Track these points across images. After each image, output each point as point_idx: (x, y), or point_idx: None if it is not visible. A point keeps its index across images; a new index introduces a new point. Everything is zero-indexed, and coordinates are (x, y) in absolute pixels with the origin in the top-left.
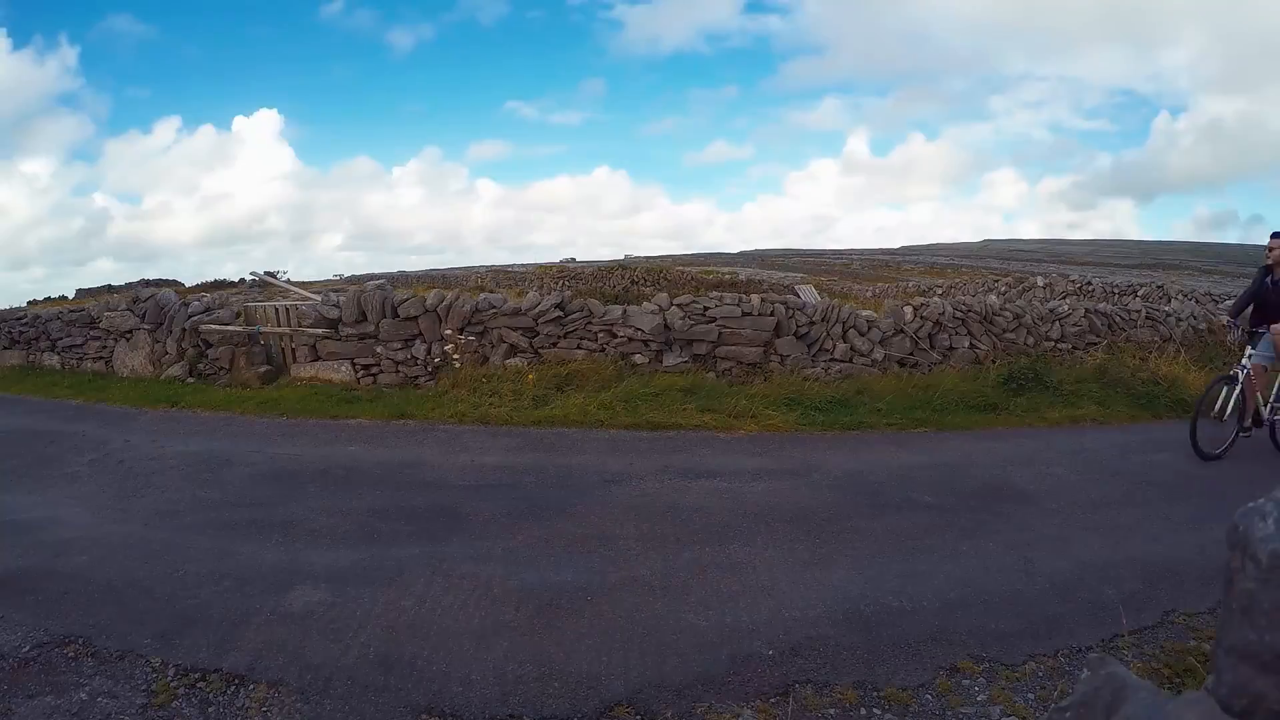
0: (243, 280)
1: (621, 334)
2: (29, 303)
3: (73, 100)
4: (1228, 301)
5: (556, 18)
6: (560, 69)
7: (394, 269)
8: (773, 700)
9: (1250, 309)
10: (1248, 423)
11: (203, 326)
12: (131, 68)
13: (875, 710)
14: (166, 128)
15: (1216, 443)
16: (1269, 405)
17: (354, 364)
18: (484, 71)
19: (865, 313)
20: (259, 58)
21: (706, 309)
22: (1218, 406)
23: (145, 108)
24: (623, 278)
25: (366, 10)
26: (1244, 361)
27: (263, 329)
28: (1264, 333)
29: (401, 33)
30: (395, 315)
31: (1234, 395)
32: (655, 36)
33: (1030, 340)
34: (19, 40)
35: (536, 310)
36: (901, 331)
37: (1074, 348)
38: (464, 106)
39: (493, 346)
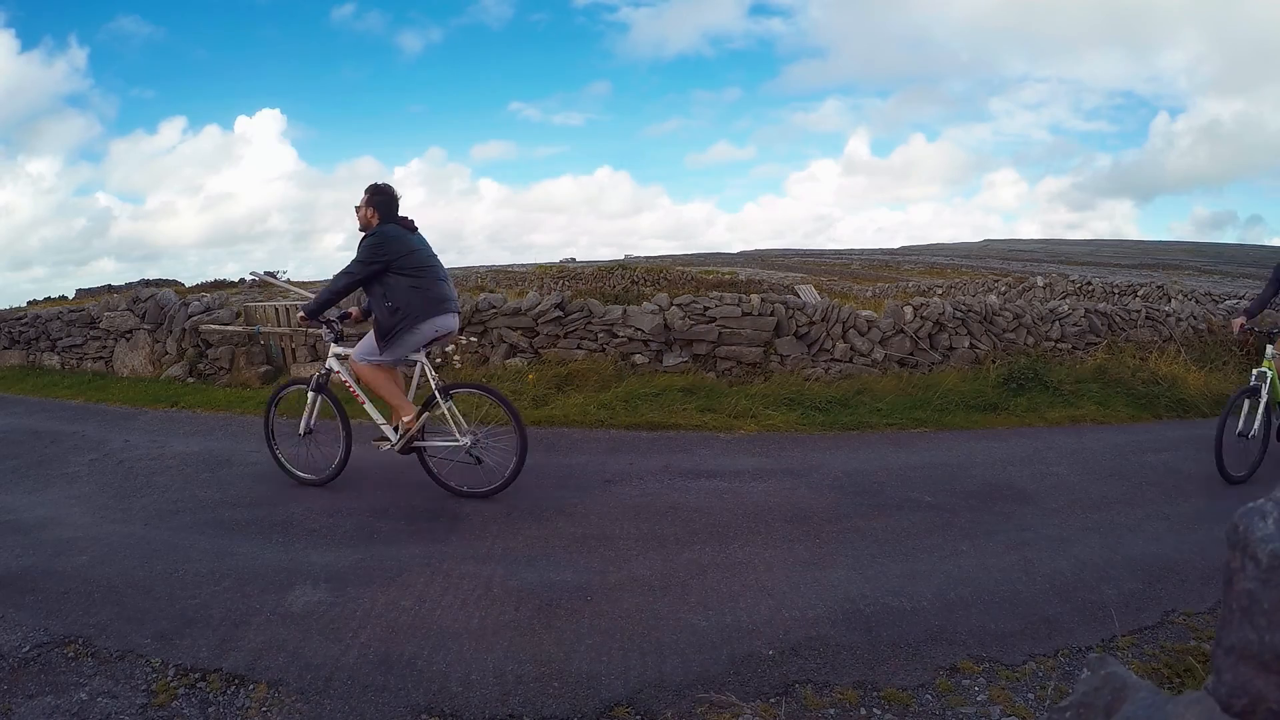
0: (243, 280)
1: (621, 334)
2: (29, 303)
3: (80, 101)
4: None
5: (562, 20)
6: (565, 71)
7: None
8: (773, 700)
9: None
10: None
11: (203, 326)
12: (139, 69)
13: (875, 710)
14: (171, 128)
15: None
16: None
17: None
18: (489, 73)
19: (865, 313)
20: (266, 59)
21: (706, 309)
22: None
23: (151, 108)
24: (623, 278)
25: (377, 13)
26: (330, 363)
27: (263, 329)
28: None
29: (410, 35)
30: None
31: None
32: (660, 40)
33: (1030, 340)
34: (28, 41)
35: (536, 310)
36: (901, 331)
37: (1074, 348)
38: (468, 107)
39: (493, 346)
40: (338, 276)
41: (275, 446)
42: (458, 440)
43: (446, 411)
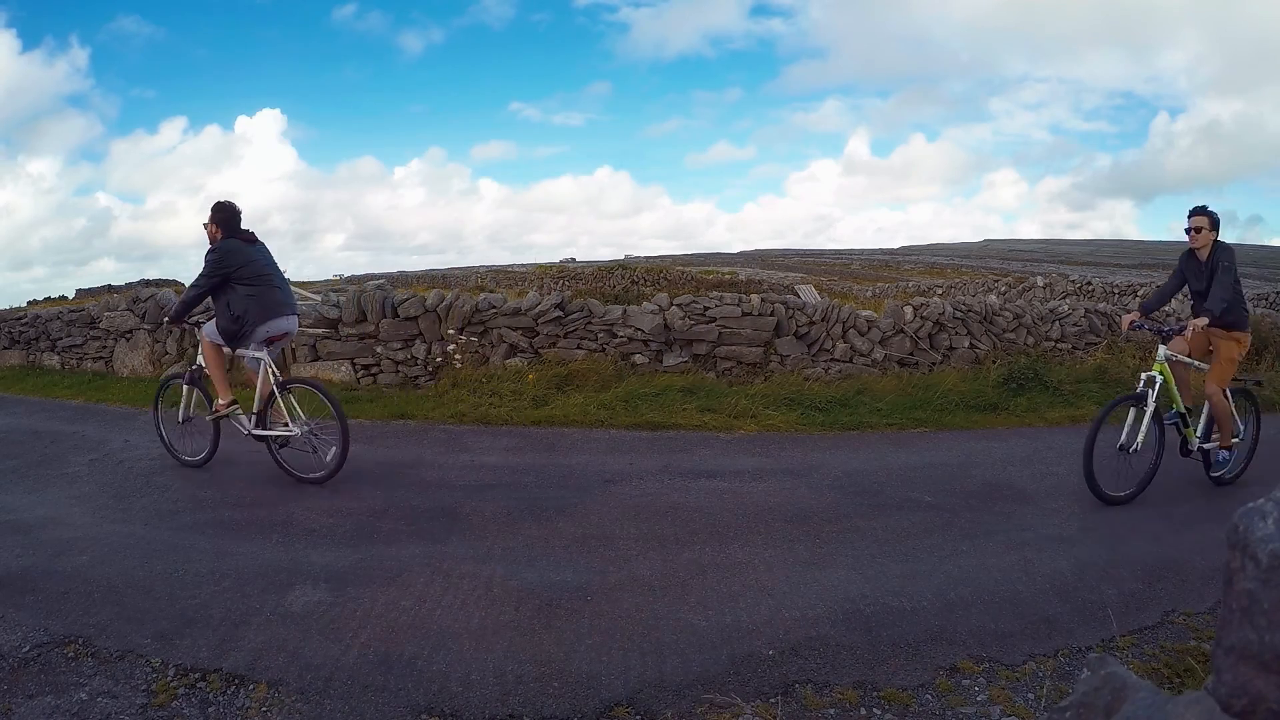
0: None
1: (621, 334)
2: (29, 303)
3: (81, 101)
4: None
5: (562, 21)
6: (565, 71)
7: (395, 269)
8: (773, 700)
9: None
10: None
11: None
12: (139, 69)
13: (875, 710)
14: (172, 128)
15: None
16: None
17: (354, 364)
18: (489, 73)
19: (865, 313)
20: (266, 59)
21: (706, 309)
22: None
23: (152, 108)
24: (623, 278)
25: (378, 13)
26: (200, 360)
27: None
28: None
29: (411, 36)
30: (395, 315)
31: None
32: (661, 40)
33: (1030, 340)
34: (30, 41)
35: (536, 310)
36: (901, 331)
37: (1074, 348)
38: (468, 107)
39: (493, 346)
40: (188, 288)
41: (162, 430)
42: (292, 430)
43: (284, 404)
